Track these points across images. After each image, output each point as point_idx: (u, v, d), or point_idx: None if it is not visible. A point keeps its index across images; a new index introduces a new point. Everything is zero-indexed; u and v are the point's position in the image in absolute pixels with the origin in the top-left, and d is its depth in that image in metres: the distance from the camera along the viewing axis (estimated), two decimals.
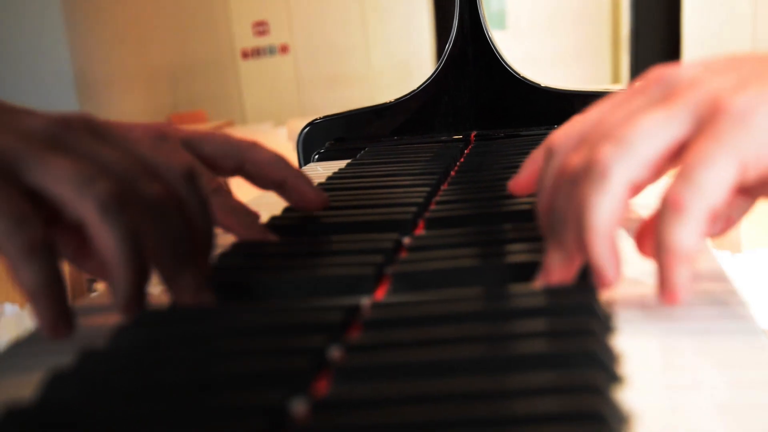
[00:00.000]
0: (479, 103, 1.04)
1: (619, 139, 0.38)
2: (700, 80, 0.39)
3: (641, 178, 0.39)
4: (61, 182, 0.40)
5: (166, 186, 0.43)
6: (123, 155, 0.43)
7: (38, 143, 0.41)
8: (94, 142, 0.43)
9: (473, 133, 1.01)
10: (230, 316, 0.41)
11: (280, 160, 0.57)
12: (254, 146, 0.57)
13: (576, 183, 0.40)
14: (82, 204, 0.40)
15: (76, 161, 0.41)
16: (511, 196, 0.63)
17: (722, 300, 0.40)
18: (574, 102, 1.01)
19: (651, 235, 0.41)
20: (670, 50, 9.73)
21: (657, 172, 0.40)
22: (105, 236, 0.40)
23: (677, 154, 0.39)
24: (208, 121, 8.17)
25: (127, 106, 7.52)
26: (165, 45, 8.45)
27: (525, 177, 0.50)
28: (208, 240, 0.45)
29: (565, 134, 0.43)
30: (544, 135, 0.94)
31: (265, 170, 0.56)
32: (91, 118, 0.47)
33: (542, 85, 1.02)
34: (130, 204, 0.41)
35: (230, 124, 8.10)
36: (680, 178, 0.37)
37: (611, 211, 0.38)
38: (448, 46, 1.03)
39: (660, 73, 0.42)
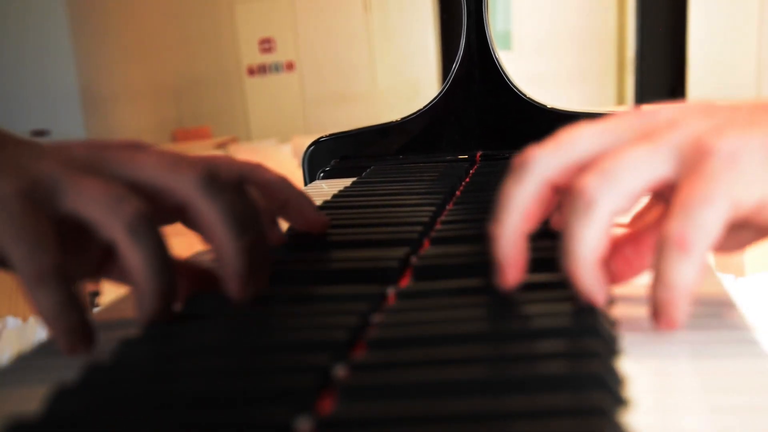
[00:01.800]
0: (485, 123, 1.04)
1: (606, 171, 0.39)
2: (677, 121, 0.41)
3: (623, 209, 0.40)
4: (92, 205, 0.41)
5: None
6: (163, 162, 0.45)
7: (77, 169, 0.43)
8: (132, 156, 0.45)
9: (479, 153, 1.02)
10: (236, 332, 0.41)
11: (283, 181, 0.57)
12: (258, 167, 0.58)
13: (559, 211, 0.41)
14: (112, 225, 0.41)
15: (107, 182, 0.42)
16: None
17: (727, 323, 0.40)
18: (579, 123, 1.01)
19: (619, 260, 0.43)
20: (676, 73, 9.75)
21: (634, 204, 0.41)
22: (133, 256, 0.41)
23: (654, 189, 0.40)
24: (212, 137, 8.19)
25: (133, 121, 7.54)
26: (171, 61, 8.47)
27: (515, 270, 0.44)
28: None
29: (542, 151, 0.43)
30: None
31: (268, 191, 0.57)
32: (134, 142, 0.48)
33: (548, 106, 1.02)
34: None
35: (234, 140, 8.11)
36: (681, 217, 0.37)
37: (595, 241, 0.39)
38: (455, 66, 1.03)
39: (637, 111, 0.43)
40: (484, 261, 0.51)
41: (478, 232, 0.60)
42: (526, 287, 0.44)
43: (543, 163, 0.42)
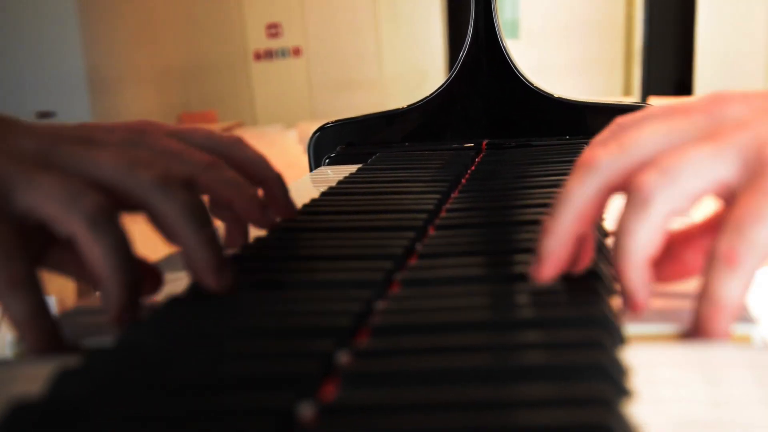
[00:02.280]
0: (491, 112, 1.04)
1: (666, 169, 0.38)
2: (746, 122, 0.39)
3: (680, 210, 0.39)
4: (49, 200, 0.40)
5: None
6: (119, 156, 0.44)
7: (29, 163, 0.42)
8: (88, 153, 0.44)
9: (485, 142, 1.01)
10: (240, 317, 0.41)
11: (262, 161, 0.57)
12: (238, 142, 0.57)
13: (607, 179, 0.41)
14: (71, 220, 0.40)
15: (64, 178, 0.41)
16: (522, 206, 0.64)
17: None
18: (586, 113, 1.01)
19: (671, 263, 0.43)
20: (683, 63, 9.72)
21: (693, 205, 0.40)
22: (94, 250, 0.40)
23: (715, 192, 0.39)
24: (218, 122, 8.19)
25: (139, 104, 7.54)
26: (177, 45, 8.47)
27: (553, 265, 0.43)
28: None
29: (607, 154, 0.41)
30: (556, 145, 0.94)
31: (245, 168, 0.56)
32: (83, 127, 0.48)
33: (555, 95, 1.02)
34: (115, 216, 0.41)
35: (240, 125, 8.12)
36: (734, 232, 0.36)
37: (649, 240, 0.38)
38: (462, 54, 1.03)
39: (706, 104, 0.42)
40: (488, 249, 0.52)
41: (483, 219, 0.60)
42: (528, 277, 0.44)
43: (606, 167, 0.41)
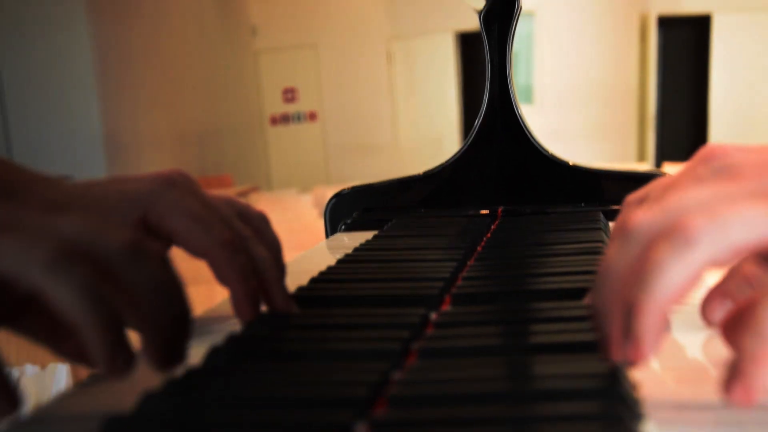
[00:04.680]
0: (507, 179, 1.04)
1: (716, 215, 0.36)
2: None
3: (721, 261, 0.36)
4: (2, 258, 0.38)
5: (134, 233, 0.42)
6: (81, 218, 0.42)
7: None
8: (48, 217, 0.42)
9: (500, 209, 1.02)
10: (257, 387, 0.41)
11: (270, 260, 0.56)
12: (264, 221, 0.57)
13: (653, 244, 0.37)
14: (28, 273, 0.38)
15: (18, 233, 0.39)
16: (539, 274, 0.64)
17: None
18: (601, 181, 1.01)
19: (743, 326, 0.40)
20: (697, 129, 9.75)
21: (733, 259, 0.38)
22: (60, 294, 0.38)
23: (760, 248, 0.37)
24: (233, 186, 8.24)
25: (155, 168, 7.58)
26: (194, 109, 8.57)
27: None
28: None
29: (650, 217, 0.39)
30: (571, 213, 0.94)
31: (253, 262, 0.55)
32: (174, 174, 0.48)
33: (570, 162, 1.02)
34: (82, 259, 0.39)
35: (255, 189, 8.16)
36: None
37: (680, 283, 0.36)
38: (478, 121, 1.04)
39: (752, 170, 0.40)
40: (505, 319, 0.51)
41: (499, 288, 0.60)
42: (548, 348, 0.44)
43: (648, 228, 0.39)
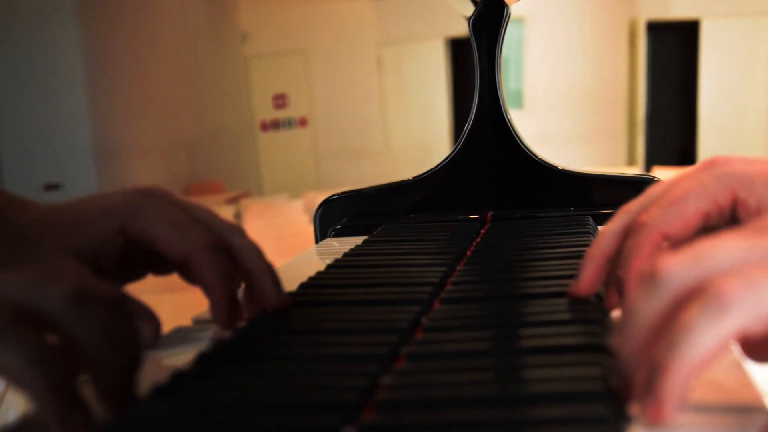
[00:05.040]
0: (496, 184, 1.05)
1: (753, 280, 0.35)
2: None
3: (754, 328, 0.35)
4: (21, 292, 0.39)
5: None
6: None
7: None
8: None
9: (490, 214, 1.02)
10: (246, 390, 0.41)
11: (254, 251, 0.57)
12: (236, 230, 0.57)
13: (684, 303, 0.36)
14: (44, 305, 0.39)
15: (32, 271, 0.40)
16: (529, 278, 0.64)
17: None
18: (590, 185, 1.01)
19: None
20: (686, 133, 9.79)
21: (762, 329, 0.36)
22: (6, 362, 0.37)
23: None
24: (225, 192, 8.24)
25: (146, 175, 7.59)
26: (185, 115, 8.55)
27: (588, 278, 0.51)
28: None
29: (680, 265, 0.38)
30: (561, 217, 0.94)
31: (236, 256, 0.56)
32: (151, 189, 0.48)
33: (559, 167, 1.02)
34: (25, 322, 0.38)
35: (246, 194, 8.16)
36: None
37: (711, 349, 0.34)
38: (467, 126, 1.04)
39: None
40: (494, 322, 0.51)
41: (488, 293, 0.60)
42: (537, 351, 0.44)
43: (678, 278, 0.37)
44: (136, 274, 0.58)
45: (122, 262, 0.54)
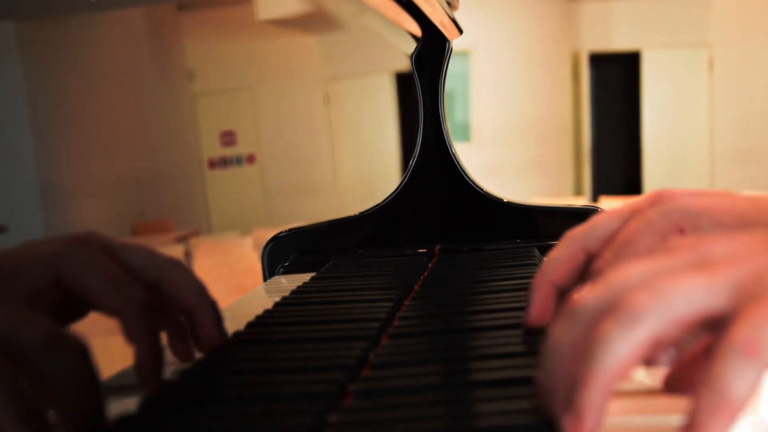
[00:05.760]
0: (443, 217, 1.05)
1: (659, 291, 0.36)
2: (738, 256, 0.38)
3: (665, 336, 0.36)
4: None
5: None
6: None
7: None
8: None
9: (437, 247, 1.02)
10: (197, 426, 0.40)
11: (195, 287, 0.56)
12: (175, 265, 0.57)
13: (595, 322, 0.37)
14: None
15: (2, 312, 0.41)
16: (476, 312, 0.64)
17: None
18: (536, 216, 1.02)
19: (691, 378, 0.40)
20: (632, 163, 9.94)
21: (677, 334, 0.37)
22: (52, 372, 0.40)
23: (702, 323, 0.37)
24: (174, 230, 8.16)
25: (93, 215, 7.50)
26: (133, 154, 8.48)
27: (538, 306, 0.52)
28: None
29: (593, 294, 0.39)
30: (507, 249, 0.95)
31: (177, 292, 0.55)
32: (85, 236, 0.48)
33: (505, 199, 1.03)
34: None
35: (195, 233, 8.09)
36: (752, 324, 0.34)
37: (625, 358, 0.36)
38: (412, 162, 1.05)
39: (690, 242, 0.41)
40: (442, 357, 0.52)
41: (436, 327, 0.60)
42: (484, 384, 0.45)
43: (591, 305, 0.39)
44: (79, 314, 0.57)
45: (61, 306, 0.53)
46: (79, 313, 0.57)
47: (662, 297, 0.36)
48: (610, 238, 0.50)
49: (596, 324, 0.37)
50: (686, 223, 0.48)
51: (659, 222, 0.48)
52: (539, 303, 0.52)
